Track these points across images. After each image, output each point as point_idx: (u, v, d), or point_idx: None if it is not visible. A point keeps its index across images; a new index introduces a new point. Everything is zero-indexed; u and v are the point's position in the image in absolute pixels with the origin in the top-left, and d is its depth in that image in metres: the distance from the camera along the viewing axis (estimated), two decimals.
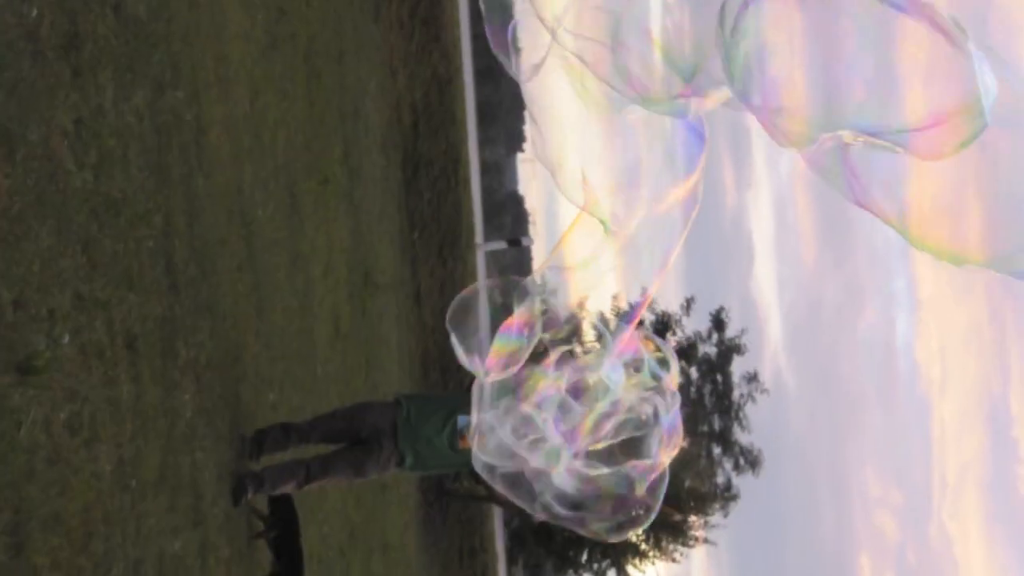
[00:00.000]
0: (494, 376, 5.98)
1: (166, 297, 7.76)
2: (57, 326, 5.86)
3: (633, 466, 6.16)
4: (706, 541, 48.63)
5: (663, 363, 6.31)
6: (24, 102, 5.79)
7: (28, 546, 5.33)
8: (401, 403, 9.07)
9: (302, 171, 14.22)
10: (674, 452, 6.26)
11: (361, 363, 16.68)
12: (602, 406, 6.12)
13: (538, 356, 6.20)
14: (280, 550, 9.68)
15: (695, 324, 47.88)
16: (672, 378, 6.29)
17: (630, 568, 49.24)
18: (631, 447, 6.22)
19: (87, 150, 6.54)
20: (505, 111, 77.08)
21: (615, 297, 46.94)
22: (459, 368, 7.23)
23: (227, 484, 8.70)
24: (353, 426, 9.13)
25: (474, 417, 6.24)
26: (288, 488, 9.23)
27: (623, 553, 48.14)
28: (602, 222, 5.29)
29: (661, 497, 6.22)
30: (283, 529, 9.63)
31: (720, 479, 47.67)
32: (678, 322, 47.13)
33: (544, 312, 5.91)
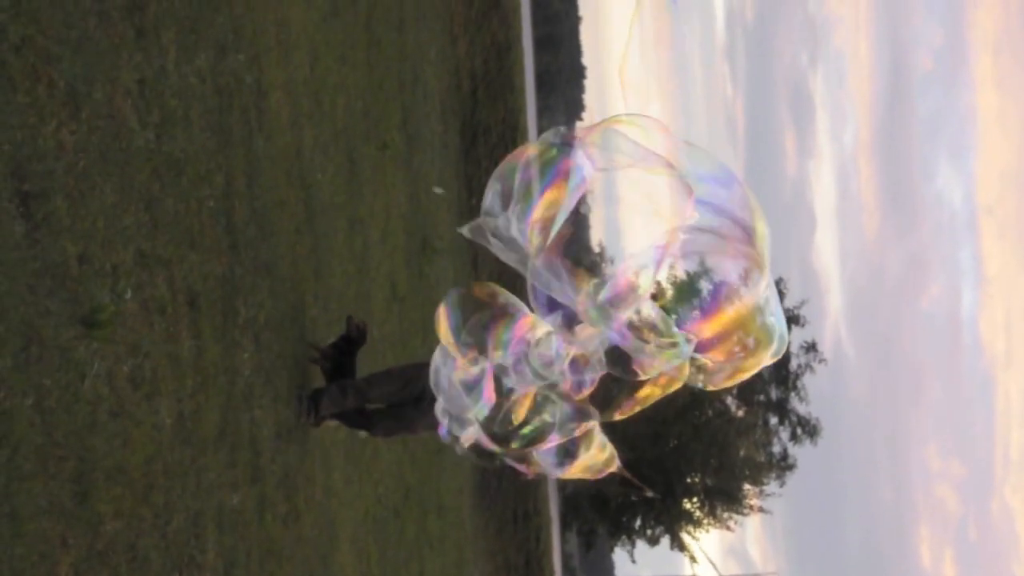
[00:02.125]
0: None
1: (226, 256, 7.89)
2: (120, 282, 5.99)
3: None
4: (761, 510, 48.63)
5: None
6: (89, 61, 5.91)
7: (92, 495, 5.47)
8: None
9: (361, 136, 14.31)
10: None
11: (418, 326, 16.79)
12: None
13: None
14: (334, 376, 10.05)
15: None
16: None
17: (684, 535, 49.32)
18: None
19: (150, 110, 6.66)
20: (564, 79, 76.74)
21: (673, 266, 46.61)
22: None
23: (284, 442, 8.85)
24: (408, 388, 9.32)
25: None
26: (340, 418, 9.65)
27: (677, 520, 48.21)
28: None
29: None
30: (337, 360, 10.06)
31: (776, 448, 47.47)
32: (736, 292, 46.78)
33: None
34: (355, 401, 9.49)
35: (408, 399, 9.35)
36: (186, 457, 6.73)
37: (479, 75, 27.58)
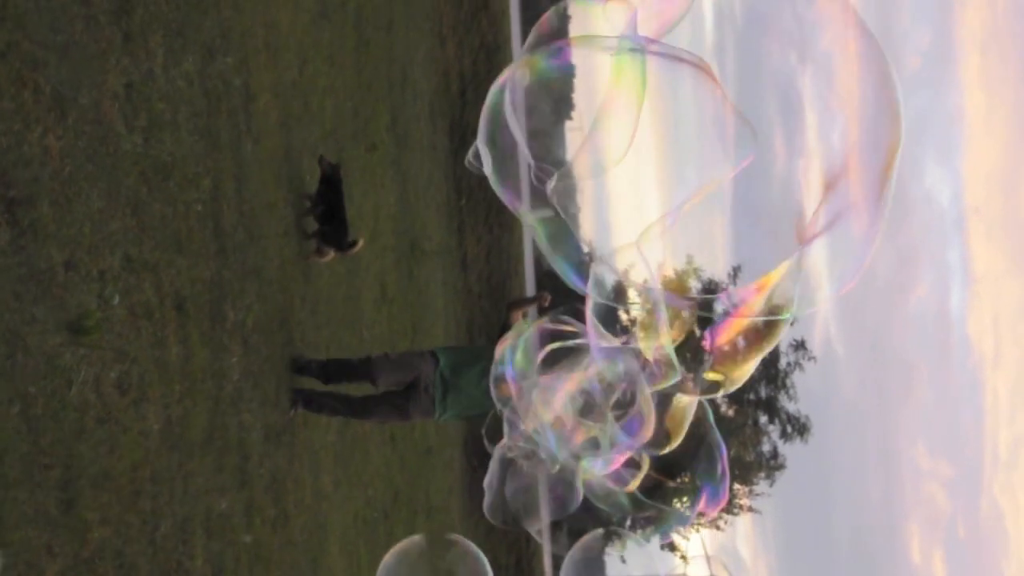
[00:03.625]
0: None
1: (214, 261, 7.86)
2: (107, 287, 5.97)
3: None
4: (751, 510, 48.71)
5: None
6: (76, 66, 5.88)
7: (79, 502, 5.45)
8: (438, 357, 9.37)
9: (350, 138, 14.28)
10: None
11: (407, 328, 16.76)
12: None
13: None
14: (325, 217, 10.83)
15: None
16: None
17: (673, 535, 49.31)
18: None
19: (137, 114, 6.63)
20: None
21: (660, 266, 46.71)
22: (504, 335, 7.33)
23: (273, 446, 8.83)
24: (404, 375, 9.52)
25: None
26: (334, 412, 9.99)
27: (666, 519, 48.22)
28: None
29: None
30: (326, 201, 10.81)
31: (766, 447, 47.56)
32: (724, 290, 47.07)
33: None
34: (361, 375, 9.67)
35: (402, 386, 9.54)
36: (174, 463, 6.71)
37: (468, 76, 27.54)
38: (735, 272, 47.73)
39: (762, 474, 46.98)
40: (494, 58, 29.90)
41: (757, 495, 47.95)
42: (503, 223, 29.79)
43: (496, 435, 8.59)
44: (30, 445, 5.06)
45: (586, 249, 5.88)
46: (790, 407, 47.77)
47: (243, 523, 7.97)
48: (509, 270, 30.39)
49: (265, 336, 8.92)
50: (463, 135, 26.08)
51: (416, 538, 5.48)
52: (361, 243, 11.24)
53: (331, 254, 11.05)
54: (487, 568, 6.43)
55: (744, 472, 46.20)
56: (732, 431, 44.54)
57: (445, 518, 18.74)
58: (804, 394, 48.50)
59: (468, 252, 26.06)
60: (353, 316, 13.18)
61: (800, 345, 48.27)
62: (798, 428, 47.74)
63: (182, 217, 7.25)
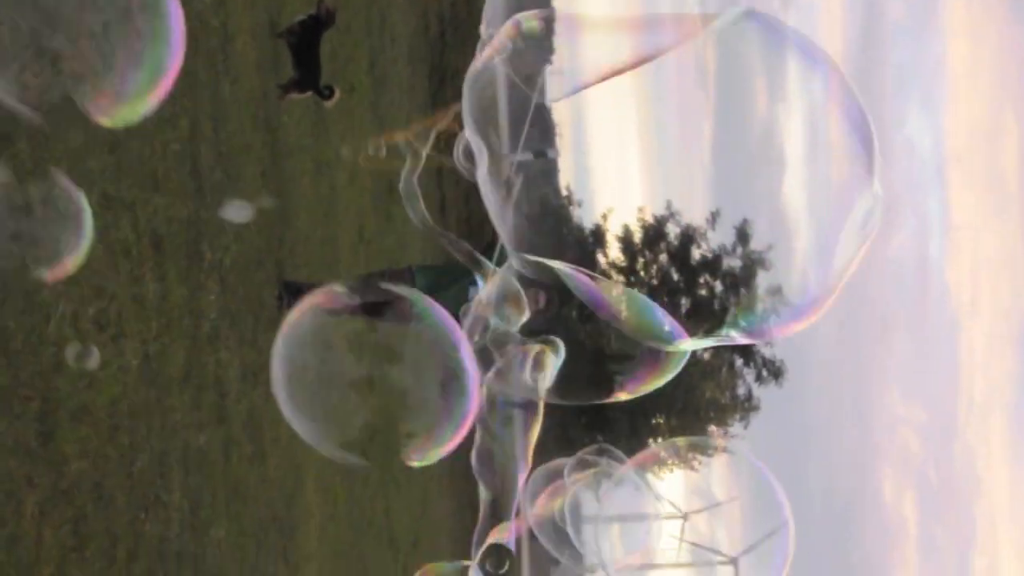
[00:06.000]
0: None
1: (192, 200, 7.93)
2: None
3: None
4: (725, 451, 49.18)
5: None
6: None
7: (57, 435, 5.56)
8: (414, 273, 9.75)
9: (328, 79, 14.25)
10: None
11: (384, 268, 16.81)
12: None
13: None
14: (300, 58, 10.85)
15: (721, 237, 47.80)
16: None
17: (648, 474, 49.82)
18: None
19: None
20: None
21: (640, 209, 46.95)
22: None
23: (250, 384, 8.94)
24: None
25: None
26: None
27: None
28: None
29: None
30: (304, 37, 10.81)
31: (741, 390, 47.94)
32: (703, 235, 47.17)
33: None
34: None
35: None
36: (151, 398, 6.82)
37: (447, 18, 27.44)
38: (714, 217, 47.86)
39: (737, 416, 47.41)
40: (473, 1, 29.75)
41: (732, 436, 48.42)
42: None
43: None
44: (9, 378, 5.16)
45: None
46: (765, 351, 48.11)
47: (221, 459, 8.10)
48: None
49: (242, 275, 9.01)
50: (441, 77, 26.00)
51: None
52: (338, 94, 11.21)
53: (306, 94, 11.13)
54: None
55: (719, 413, 46.63)
56: (708, 373, 44.90)
57: None
58: (780, 338, 48.83)
59: (447, 194, 26.09)
60: (331, 257, 13.26)
61: (777, 291, 48.51)
62: (773, 372, 48.10)
63: (159, 156, 7.31)
